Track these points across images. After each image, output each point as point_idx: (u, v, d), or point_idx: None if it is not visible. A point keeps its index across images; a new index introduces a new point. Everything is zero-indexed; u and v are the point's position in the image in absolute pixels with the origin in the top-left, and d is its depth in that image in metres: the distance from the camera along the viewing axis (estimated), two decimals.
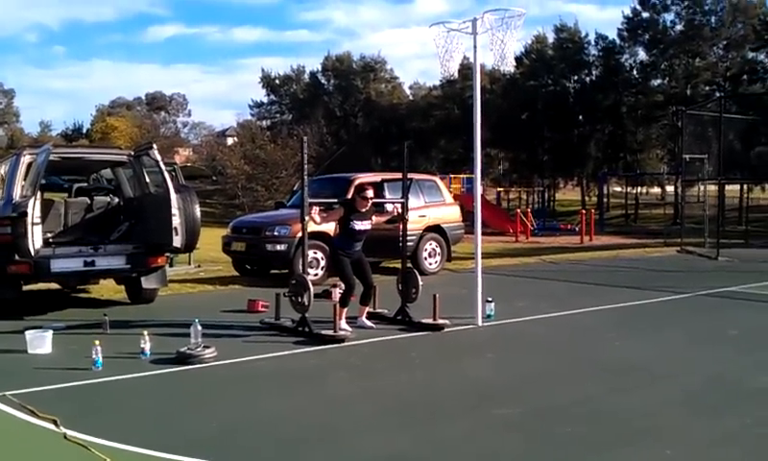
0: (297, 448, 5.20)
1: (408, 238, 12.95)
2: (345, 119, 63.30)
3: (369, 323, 9.41)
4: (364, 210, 9.16)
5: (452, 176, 37.11)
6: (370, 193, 9.26)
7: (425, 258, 15.09)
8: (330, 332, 8.53)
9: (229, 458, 5.00)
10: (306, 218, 8.89)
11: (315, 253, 13.17)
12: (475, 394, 6.56)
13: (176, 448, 5.06)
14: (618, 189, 55.04)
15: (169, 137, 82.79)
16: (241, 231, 14.57)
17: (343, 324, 8.81)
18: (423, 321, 9.39)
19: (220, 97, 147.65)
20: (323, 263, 13.31)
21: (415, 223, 13.68)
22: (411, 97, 66.14)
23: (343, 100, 63.82)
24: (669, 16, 46.84)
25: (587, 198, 54.38)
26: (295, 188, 20.83)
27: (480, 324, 9.46)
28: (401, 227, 10.32)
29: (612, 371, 7.37)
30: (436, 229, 15.30)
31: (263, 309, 10.38)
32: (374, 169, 43.35)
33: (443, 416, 5.90)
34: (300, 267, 9.67)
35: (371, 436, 5.42)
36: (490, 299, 9.80)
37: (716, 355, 8.10)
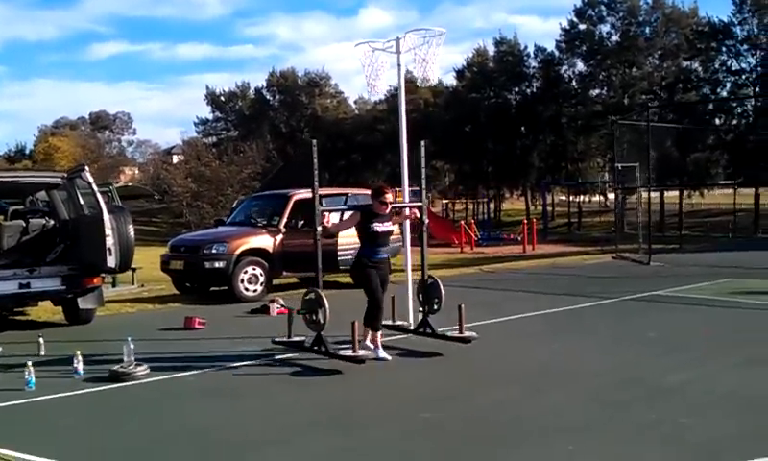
0: (228, 455, 5.42)
1: (346, 252, 13.22)
2: (291, 135, 63.18)
3: (375, 350, 8.52)
4: (383, 214, 8.59)
5: (397, 189, 37.39)
6: (389, 197, 8.60)
7: None
8: (349, 352, 8.01)
9: None
10: (318, 227, 8.41)
11: (254, 269, 13.39)
12: (401, 400, 6.89)
13: None
14: (563, 198, 55.91)
15: (114, 156, 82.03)
16: (179, 250, 14.62)
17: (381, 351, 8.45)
18: (449, 333, 9.01)
19: (165, 115, 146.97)
20: (262, 279, 13.50)
21: (351, 236, 13.88)
22: (356, 111, 66.37)
23: (289, 116, 63.82)
24: (605, 28, 47.93)
25: (532, 207, 55.23)
26: (234, 205, 20.88)
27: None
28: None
29: (534, 374, 7.72)
30: None
31: (200, 326, 10.54)
32: (321, 184, 43.35)
33: (367, 423, 6.18)
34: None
35: (290, 443, 5.64)
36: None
37: (633, 357, 8.48)
